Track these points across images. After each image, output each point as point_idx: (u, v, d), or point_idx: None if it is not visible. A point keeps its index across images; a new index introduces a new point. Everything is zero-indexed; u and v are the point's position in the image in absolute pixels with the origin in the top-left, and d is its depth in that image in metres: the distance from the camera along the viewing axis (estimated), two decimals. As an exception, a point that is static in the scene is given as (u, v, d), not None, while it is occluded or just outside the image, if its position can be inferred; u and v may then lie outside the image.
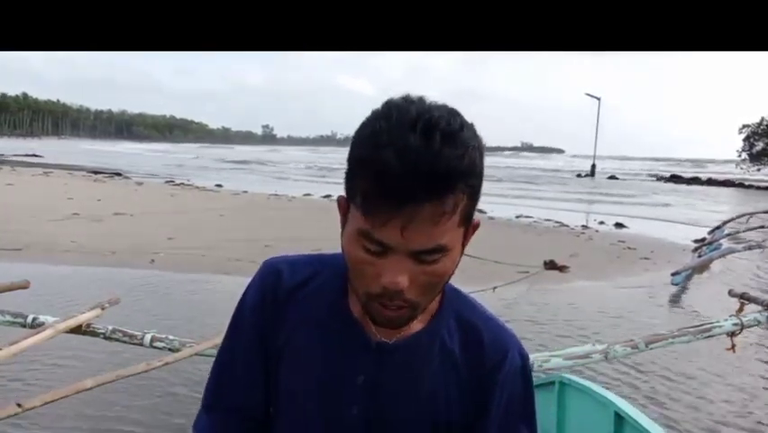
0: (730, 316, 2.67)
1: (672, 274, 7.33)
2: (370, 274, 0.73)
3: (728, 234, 11.04)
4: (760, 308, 2.73)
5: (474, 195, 0.72)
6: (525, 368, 0.87)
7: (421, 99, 0.72)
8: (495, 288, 5.88)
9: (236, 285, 5.94)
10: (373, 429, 0.84)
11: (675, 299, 7.05)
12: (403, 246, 0.69)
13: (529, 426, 0.88)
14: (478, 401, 0.85)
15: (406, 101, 0.71)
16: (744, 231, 11.03)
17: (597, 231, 12.46)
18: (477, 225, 0.77)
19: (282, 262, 0.91)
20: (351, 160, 0.72)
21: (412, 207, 0.66)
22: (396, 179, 0.65)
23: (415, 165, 0.65)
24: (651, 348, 2.52)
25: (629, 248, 10.09)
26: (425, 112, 0.69)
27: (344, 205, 0.76)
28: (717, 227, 11.85)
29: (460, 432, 0.85)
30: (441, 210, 0.67)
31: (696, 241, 10.97)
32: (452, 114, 0.71)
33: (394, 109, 0.70)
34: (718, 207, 21.89)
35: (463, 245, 0.76)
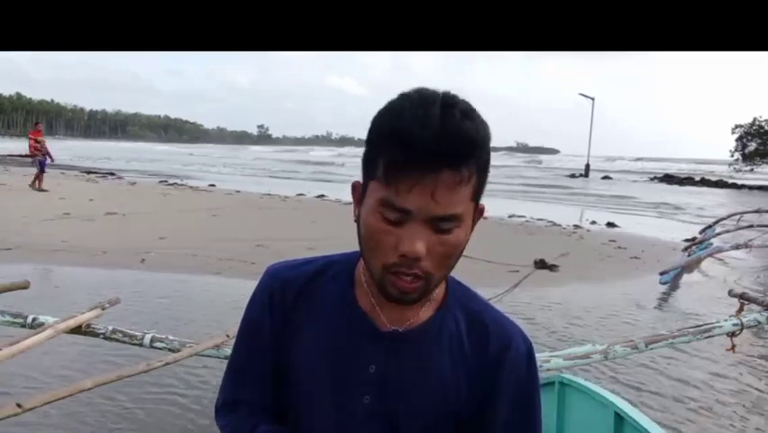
0: (730, 316, 2.66)
1: (661, 273, 7.37)
2: (388, 244, 0.76)
3: (719, 234, 11.11)
4: (760, 308, 2.72)
5: (484, 171, 0.77)
6: (529, 354, 0.90)
7: (435, 90, 0.77)
8: (489, 300, 5.90)
9: (227, 286, 5.93)
10: (386, 418, 0.87)
11: (663, 299, 7.09)
12: (423, 212, 0.73)
13: (535, 411, 0.91)
14: (485, 387, 0.88)
15: (422, 89, 0.77)
16: (734, 230, 11.10)
17: (588, 230, 12.50)
18: (482, 211, 0.81)
19: (286, 266, 0.95)
20: (372, 138, 0.77)
21: (434, 173, 0.71)
22: (419, 147, 0.70)
23: (437, 134, 0.71)
24: (651, 348, 2.50)
25: (620, 247, 10.14)
26: (442, 94, 0.75)
27: (359, 187, 0.81)
28: (709, 226, 11.92)
29: (469, 418, 0.88)
30: (458, 178, 0.72)
31: (687, 240, 11.04)
32: (465, 99, 0.77)
33: (413, 92, 0.76)
34: (711, 206, 21.98)
35: (472, 224, 0.80)
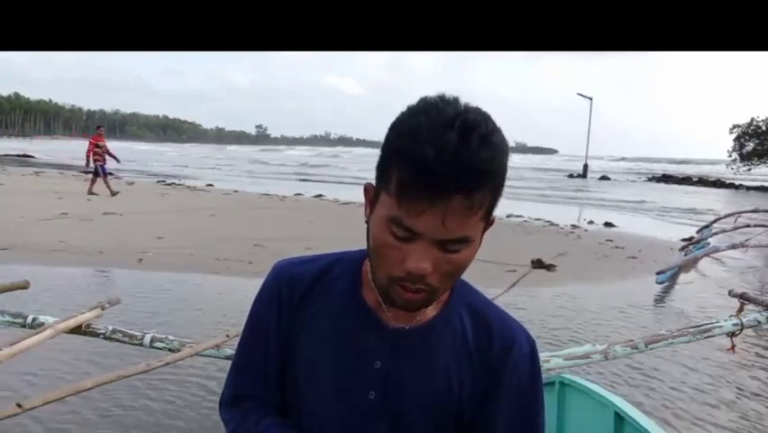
0: (730, 316, 2.65)
1: (657, 273, 7.38)
2: (394, 258, 0.77)
3: (716, 233, 11.14)
4: (760, 308, 2.70)
5: (497, 193, 0.76)
6: (533, 353, 0.91)
7: (456, 100, 0.75)
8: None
9: (226, 285, 5.90)
10: (390, 413, 0.88)
11: (660, 298, 7.11)
12: (431, 235, 0.73)
13: (538, 410, 0.92)
14: (488, 386, 0.89)
15: (443, 101, 0.74)
16: (731, 230, 11.13)
17: (586, 230, 12.53)
18: (493, 221, 0.81)
19: (294, 262, 0.96)
20: (387, 150, 0.76)
21: (445, 200, 0.70)
22: (432, 174, 0.69)
23: (451, 162, 0.69)
24: (651, 348, 2.49)
25: (617, 247, 10.15)
26: (462, 113, 0.72)
27: (372, 190, 0.81)
28: (706, 226, 11.94)
29: (472, 415, 0.89)
30: (470, 205, 0.72)
31: (684, 240, 11.07)
32: (486, 117, 0.74)
33: (432, 107, 0.74)
34: (708, 206, 22.02)
35: (481, 238, 0.80)
